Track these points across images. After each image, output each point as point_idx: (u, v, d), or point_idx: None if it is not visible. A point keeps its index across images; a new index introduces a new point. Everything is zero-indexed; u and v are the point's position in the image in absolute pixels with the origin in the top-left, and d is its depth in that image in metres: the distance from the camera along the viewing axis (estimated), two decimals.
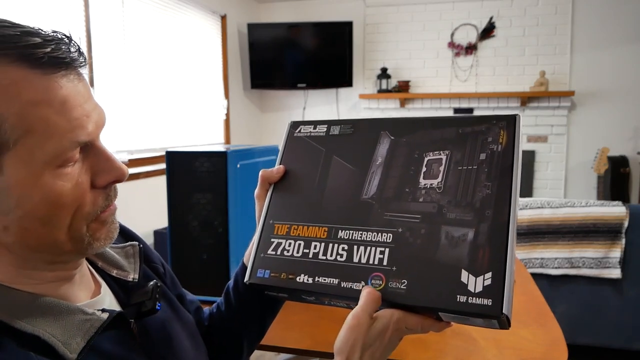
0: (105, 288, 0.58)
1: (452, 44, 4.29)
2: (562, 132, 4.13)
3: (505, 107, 4.18)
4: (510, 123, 0.56)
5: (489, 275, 0.49)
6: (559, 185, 4.20)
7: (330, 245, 0.58)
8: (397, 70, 4.45)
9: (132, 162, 3.08)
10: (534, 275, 2.14)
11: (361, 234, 0.57)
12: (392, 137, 0.62)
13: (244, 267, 0.71)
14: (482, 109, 4.25)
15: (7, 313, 0.45)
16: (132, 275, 0.62)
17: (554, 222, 2.19)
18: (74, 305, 0.50)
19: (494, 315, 0.47)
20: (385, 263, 0.54)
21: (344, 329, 0.51)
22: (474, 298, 0.48)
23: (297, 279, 0.57)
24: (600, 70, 4.01)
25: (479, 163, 0.55)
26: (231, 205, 1.20)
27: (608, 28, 3.95)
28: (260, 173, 0.65)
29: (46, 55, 0.44)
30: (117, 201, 0.53)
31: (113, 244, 0.56)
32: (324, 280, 0.56)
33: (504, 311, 0.46)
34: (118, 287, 0.61)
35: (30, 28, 0.45)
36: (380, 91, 4.38)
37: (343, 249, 0.57)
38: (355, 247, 0.56)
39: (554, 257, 2.20)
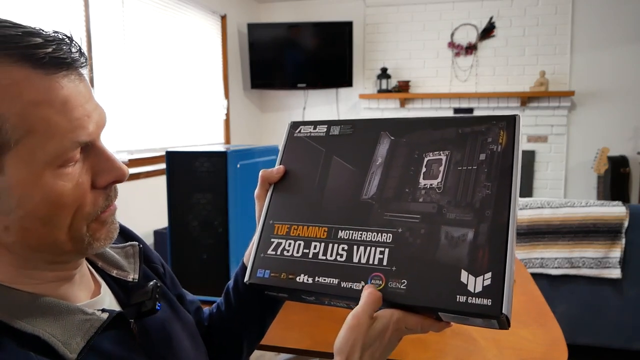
0: (105, 288, 0.58)
1: (452, 44, 4.29)
2: (562, 132, 4.13)
3: (505, 107, 4.18)
4: (510, 123, 0.56)
5: (488, 275, 0.49)
6: (559, 185, 4.20)
7: (330, 245, 0.58)
8: (397, 70, 4.45)
9: (132, 162, 3.08)
10: (534, 275, 2.14)
11: (361, 234, 0.57)
12: (392, 138, 0.62)
13: (244, 267, 0.71)
14: (482, 109, 4.25)
15: (7, 313, 0.45)
16: (132, 276, 0.62)
17: (554, 222, 2.19)
18: (74, 305, 0.50)
19: (494, 315, 0.47)
20: (385, 263, 0.54)
21: (343, 329, 0.51)
22: (474, 298, 0.48)
23: (297, 279, 0.57)
24: (600, 70, 4.01)
25: (479, 163, 0.55)
26: (231, 205, 1.20)
27: (608, 28, 3.95)
28: (260, 173, 0.65)
29: (47, 56, 0.44)
30: (117, 201, 0.53)
31: (113, 244, 0.56)
32: (324, 280, 0.56)
33: (503, 311, 0.47)
34: (118, 287, 0.61)
35: (32, 28, 0.45)
36: (380, 91, 4.38)
37: (343, 249, 0.57)
38: (355, 247, 0.56)
39: (554, 257, 2.20)
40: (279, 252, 0.60)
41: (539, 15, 4.09)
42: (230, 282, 0.76)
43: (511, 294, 0.48)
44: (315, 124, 0.68)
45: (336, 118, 4.35)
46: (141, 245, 0.65)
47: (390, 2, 4.39)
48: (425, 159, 0.58)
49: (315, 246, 0.58)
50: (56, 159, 0.45)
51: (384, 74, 4.36)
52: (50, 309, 0.48)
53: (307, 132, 0.67)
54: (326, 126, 0.67)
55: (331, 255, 0.57)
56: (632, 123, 4.00)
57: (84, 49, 0.49)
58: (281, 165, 0.66)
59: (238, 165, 1.23)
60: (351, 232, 0.57)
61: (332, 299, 0.57)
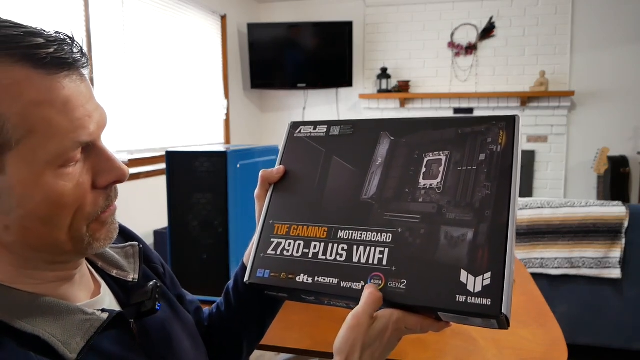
0: (105, 288, 0.58)
1: (452, 44, 4.30)
2: (562, 132, 4.13)
3: (505, 107, 4.18)
4: (509, 124, 0.56)
5: (488, 275, 0.49)
6: (559, 185, 4.20)
7: (330, 245, 0.58)
8: (397, 70, 4.45)
9: (132, 162, 3.08)
10: (534, 275, 2.14)
11: (361, 234, 0.57)
12: (392, 138, 0.62)
13: (244, 267, 0.71)
14: (482, 109, 4.25)
15: (7, 313, 0.45)
16: (132, 276, 0.62)
17: (554, 222, 2.19)
18: (74, 305, 0.50)
19: (493, 315, 0.47)
20: (384, 263, 0.54)
21: (343, 329, 0.51)
22: (473, 298, 0.48)
23: (297, 278, 0.57)
24: (600, 70, 4.01)
25: (479, 163, 0.55)
26: (231, 205, 1.20)
27: (608, 28, 3.95)
28: (260, 173, 0.65)
29: (49, 56, 0.44)
30: (117, 201, 0.54)
31: (113, 244, 0.56)
32: (324, 280, 0.56)
33: (503, 311, 0.47)
34: (118, 287, 0.61)
35: (33, 28, 0.45)
36: (380, 91, 4.38)
37: (343, 249, 0.57)
38: (355, 247, 0.56)
39: (554, 257, 2.20)
40: (278, 252, 0.60)
41: (539, 15, 4.09)
42: (230, 282, 0.76)
43: (511, 293, 0.48)
44: (315, 124, 0.68)
45: (336, 118, 4.35)
46: (141, 246, 0.65)
47: (390, 2, 4.39)
48: (425, 159, 0.58)
49: (315, 246, 0.58)
50: (57, 158, 0.45)
51: (384, 74, 4.36)
52: (50, 309, 0.48)
53: (307, 133, 0.68)
54: (326, 126, 0.67)
55: (331, 255, 0.57)
56: (632, 123, 4.00)
57: (84, 49, 0.49)
58: (281, 166, 0.66)
59: (238, 165, 1.23)
60: (351, 232, 0.58)
61: (331, 298, 0.57)
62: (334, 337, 0.52)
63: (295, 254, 0.59)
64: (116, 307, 0.58)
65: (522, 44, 4.15)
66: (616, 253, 2.14)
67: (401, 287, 0.52)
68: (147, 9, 3.23)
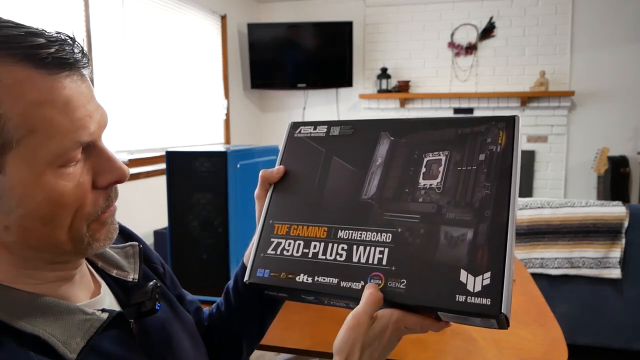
0: (105, 288, 0.58)
1: (452, 44, 4.30)
2: (562, 132, 4.13)
3: (505, 107, 4.18)
4: (509, 124, 0.56)
5: (487, 275, 0.49)
6: (559, 185, 4.20)
7: (330, 245, 0.58)
8: (397, 70, 4.45)
9: (132, 162, 3.08)
10: (534, 275, 2.14)
11: (361, 233, 0.57)
12: (392, 138, 0.62)
13: (244, 267, 0.71)
14: (482, 109, 4.25)
15: (7, 313, 0.45)
16: (132, 276, 0.62)
17: (554, 222, 2.19)
18: (74, 305, 0.50)
19: (493, 315, 0.47)
20: (384, 263, 0.54)
21: (343, 329, 0.51)
22: (473, 297, 0.48)
23: (297, 278, 0.57)
24: (600, 70, 4.01)
25: (478, 164, 0.55)
26: (231, 205, 1.20)
27: (608, 28, 3.95)
28: (260, 173, 0.65)
29: (50, 56, 0.44)
30: (117, 201, 0.54)
31: (113, 244, 0.56)
32: (324, 279, 0.56)
33: (502, 311, 0.47)
34: (118, 287, 0.61)
35: (35, 29, 0.46)
36: (380, 91, 4.38)
37: (342, 249, 0.57)
38: (355, 246, 0.56)
39: (554, 257, 2.20)
40: (278, 252, 0.60)
41: (539, 15, 4.09)
42: (230, 282, 0.76)
43: (510, 293, 0.48)
44: (315, 124, 0.68)
45: (336, 118, 4.36)
46: (141, 246, 0.66)
47: (390, 2, 4.39)
48: (425, 159, 0.58)
49: (315, 246, 0.58)
50: (57, 158, 0.45)
51: (384, 74, 4.36)
52: (50, 309, 0.48)
53: (307, 133, 0.68)
54: (326, 127, 0.67)
55: (331, 255, 0.57)
56: (632, 123, 4.00)
57: (85, 50, 0.49)
58: (281, 166, 0.66)
59: (238, 165, 1.23)
60: (351, 232, 0.58)
61: (331, 298, 0.57)
62: (334, 337, 0.52)
63: (295, 253, 0.59)
64: (116, 307, 0.58)
65: (522, 44, 4.15)
66: (616, 253, 2.14)
67: (401, 286, 0.52)
68: (147, 9, 3.23)
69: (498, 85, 4.25)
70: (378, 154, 0.61)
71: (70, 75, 0.46)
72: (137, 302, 0.59)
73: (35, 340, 0.45)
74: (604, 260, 2.15)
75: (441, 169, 0.57)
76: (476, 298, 0.48)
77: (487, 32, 4.19)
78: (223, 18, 4.21)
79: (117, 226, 0.55)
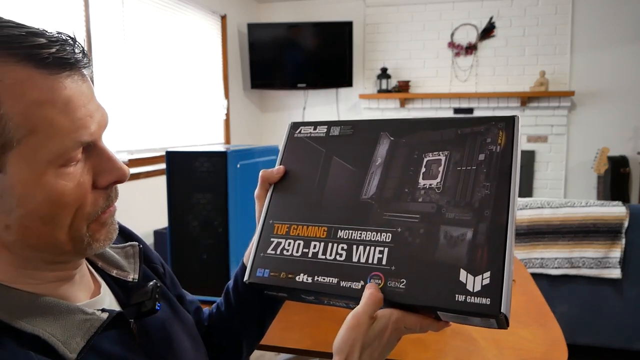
0: (105, 288, 0.59)
1: (452, 44, 4.30)
2: (562, 132, 4.13)
3: (505, 107, 4.18)
4: (509, 124, 0.56)
5: (487, 274, 0.49)
6: (559, 185, 4.20)
7: (330, 244, 0.58)
8: (397, 70, 4.45)
9: (132, 162, 3.08)
10: (534, 275, 2.14)
11: (360, 233, 0.57)
12: (392, 138, 0.62)
13: (244, 267, 0.71)
14: (482, 109, 4.25)
15: (7, 313, 0.46)
16: (132, 276, 0.62)
17: (554, 222, 2.19)
18: (74, 305, 0.50)
19: (492, 315, 0.47)
20: (384, 262, 0.54)
21: (343, 329, 0.51)
22: (473, 297, 0.48)
23: (297, 278, 0.57)
24: (600, 70, 4.01)
25: (478, 164, 0.55)
26: (231, 205, 1.20)
27: (608, 28, 3.95)
28: (260, 173, 0.66)
29: (51, 56, 0.44)
30: (117, 201, 0.54)
31: (113, 244, 0.56)
32: (323, 279, 0.56)
33: (502, 310, 0.47)
34: (118, 287, 0.61)
35: (35, 29, 0.46)
36: (380, 91, 4.38)
37: (342, 249, 0.57)
38: (355, 246, 0.56)
39: (554, 257, 2.20)
40: (278, 252, 0.60)
41: (539, 15, 4.09)
42: (230, 282, 0.76)
43: (510, 293, 0.48)
44: (315, 124, 0.68)
45: (336, 118, 4.36)
46: (141, 246, 0.66)
47: (390, 2, 4.39)
48: (425, 159, 0.58)
49: (314, 246, 0.58)
50: (58, 158, 0.45)
51: (384, 74, 4.36)
52: (50, 308, 0.48)
53: (307, 133, 0.68)
54: (326, 127, 0.67)
55: (331, 255, 0.57)
56: (632, 123, 4.00)
57: (86, 50, 0.49)
58: (281, 166, 0.66)
59: (238, 165, 1.23)
60: (351, 231, 0.58)
61: (331, 298, 0.57)
62: (334, 337, 0.52)
63: (295, 253, 0.59)
64: (116, 307, 0.58)
65: (522, 44, 4.15)
66: (616, 253, 2.14)
67: (400, 286, 0.52)
68: (147, 9, 3.23)
69: (498, 85, 4.25)
70: (378, 154, 0.61)
71: (71, 75, 0.46)
72: (137, 302, 0.59)
73: (35, 340, 0.45)
74: (604, 260, 2.15)
75: (441, 169, 0.57)
76: (476, 298, 0.48)
77: (487, 32, 4.19)
78: (223, 18, 4.21)
79: (117, 226, 0.55)
